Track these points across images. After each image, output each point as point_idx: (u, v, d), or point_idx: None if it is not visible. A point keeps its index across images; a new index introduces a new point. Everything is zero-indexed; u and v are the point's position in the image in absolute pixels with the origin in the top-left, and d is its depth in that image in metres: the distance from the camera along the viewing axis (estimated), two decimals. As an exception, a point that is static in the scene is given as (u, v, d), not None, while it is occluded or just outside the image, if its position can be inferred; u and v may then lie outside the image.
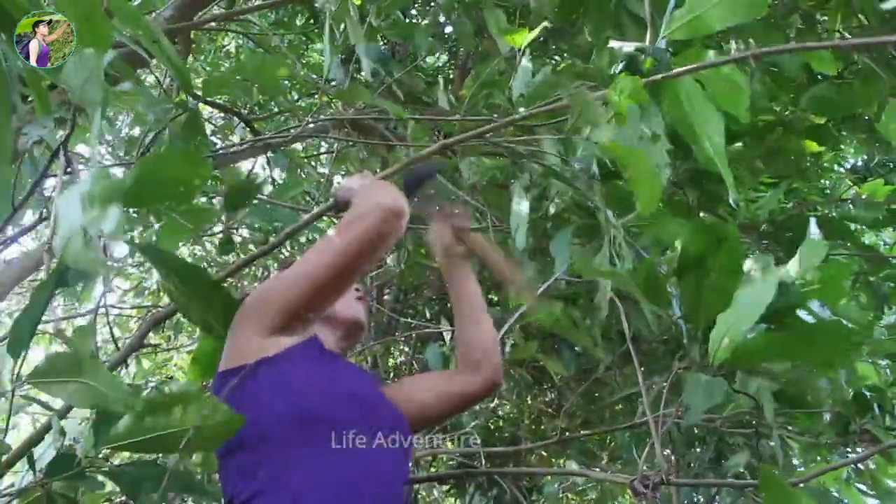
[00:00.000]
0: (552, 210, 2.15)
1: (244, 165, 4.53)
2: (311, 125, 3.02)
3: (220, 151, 2.56)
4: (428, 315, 4.56)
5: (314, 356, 1.34)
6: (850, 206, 3.36)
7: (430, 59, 4.18)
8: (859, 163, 4.36)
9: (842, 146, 4.01)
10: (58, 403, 1.49)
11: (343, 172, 3.54)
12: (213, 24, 3.08)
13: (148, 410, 0.98)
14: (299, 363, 1.29)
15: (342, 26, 2.56)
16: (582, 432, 3.85)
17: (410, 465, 1.44)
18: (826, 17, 3.50)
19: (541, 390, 4.43)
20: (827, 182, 4.28)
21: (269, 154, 3.55)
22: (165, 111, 1.85)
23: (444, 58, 4.26)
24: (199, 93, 2.29)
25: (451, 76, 4.20)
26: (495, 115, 2.65)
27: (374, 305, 4.18)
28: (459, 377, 1.52)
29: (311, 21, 3.68)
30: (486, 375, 1.51)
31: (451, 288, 1.60)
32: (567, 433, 4.25)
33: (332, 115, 2.81)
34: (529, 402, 4.60)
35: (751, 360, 1.70)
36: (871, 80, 3.11)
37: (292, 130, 2.85)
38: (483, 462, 2.68)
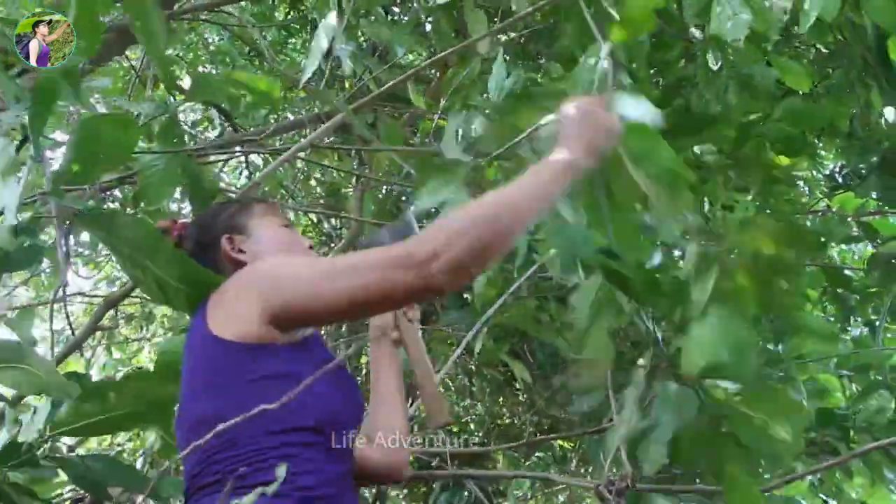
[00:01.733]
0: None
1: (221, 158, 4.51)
2: (289, 118, 3.01)
3: (200, 149, 2.54)
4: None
5: (318, 353, 1.30)
6: (825, 216, 3.41)
7: (411, 57, 4.17)
8: (837, 168, 4.39)
9: (821, 153, 4.03)
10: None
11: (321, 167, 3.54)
12: (191, 15, 3.06)
13: (85, 396, 0.98)
14: (304, 360, 1.23)
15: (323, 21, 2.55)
16: (551, 435, 3.87)
17: None
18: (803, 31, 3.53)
19: (512, 391, 4.45)
20: (806, 189, 4.31)
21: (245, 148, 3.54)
22: (150, 109, 1.83)
23: (425, 56, 4.25)
24: (176, 85, 2.27)
25: (436, 73, 4.21)
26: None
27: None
28: (371, 457, 1.43)
29: (290, 15, 3.68)
30: (394, 466, 1.45)
31: (373, 366, 1.52)
32: (537, 435, 4.27)
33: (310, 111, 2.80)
34: (501, 401, 4.62)
35: (721, 372, 1.73)
36: (844, 95, 3.15)
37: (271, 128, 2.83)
38: (450, 463, 2.68)
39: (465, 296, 4.35)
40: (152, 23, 1.33)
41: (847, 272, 3.26)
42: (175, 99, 1.78)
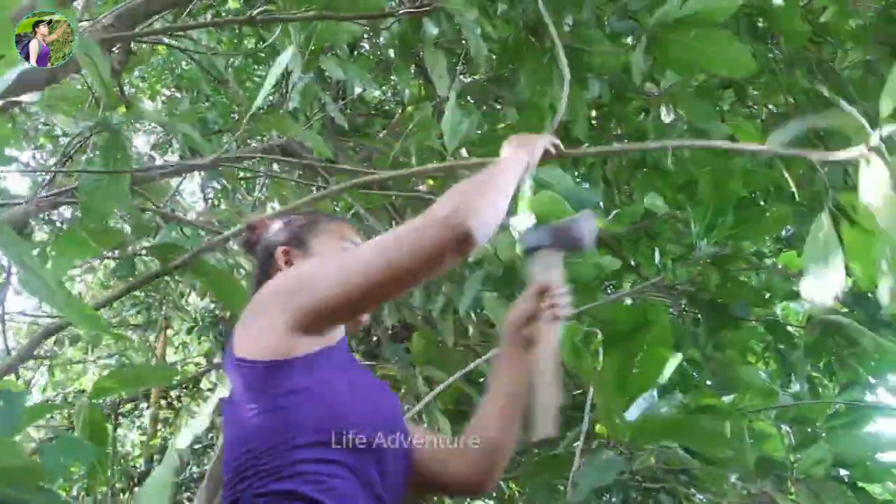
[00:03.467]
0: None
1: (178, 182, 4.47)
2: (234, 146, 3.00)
3: (146, 169, 2.52)
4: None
5: (346, 359, 1.24)
6: (769, 273, 3.49)
7: (377, 94, 4.21)
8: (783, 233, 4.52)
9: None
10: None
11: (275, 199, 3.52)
12: (154, 37, 3.06)
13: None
14: (336, 367, 1.18)
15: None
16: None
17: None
18: (757, 92, 3.66)
19: (461, 428, 4.41)
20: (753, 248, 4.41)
21: (202, 174, 3.52)
22: (89, 127, 1.82)
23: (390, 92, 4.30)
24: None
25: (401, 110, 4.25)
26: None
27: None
28: (457, 466, 1.31)
29: (258, 45, 3.69)
30: (481, 482, 1.31)
31: (497, 366, 1.37)
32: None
33: (264, 141, 2.80)
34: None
35: (652, 437, 1.80)
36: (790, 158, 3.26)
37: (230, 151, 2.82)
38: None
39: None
40: (89, 47, 1.33)
41: (789, 329, 3.34)
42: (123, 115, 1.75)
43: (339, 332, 1.24)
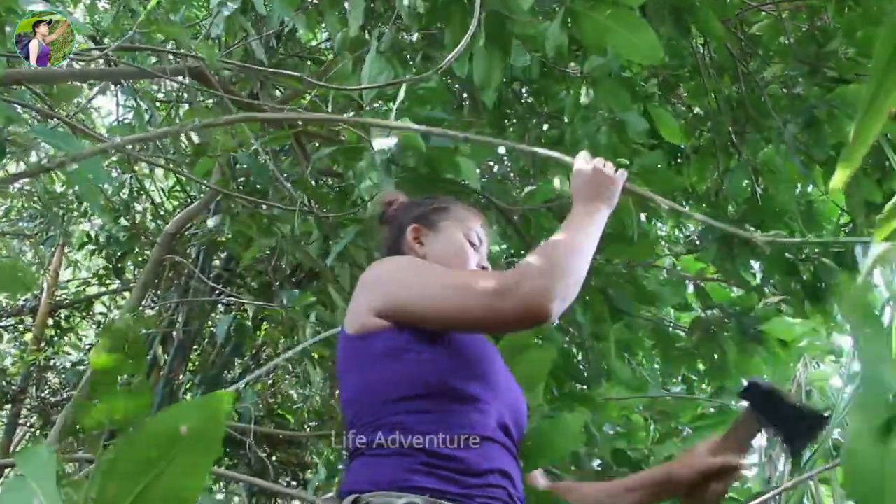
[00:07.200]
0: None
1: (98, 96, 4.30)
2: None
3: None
4: (256, 286, 4.45)
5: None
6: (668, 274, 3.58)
7: (311, 36, 4.11)
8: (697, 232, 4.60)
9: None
10: None
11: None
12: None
13: None
14: (416, 335, 1.27)
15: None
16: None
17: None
18: (686, 93, 3.71)
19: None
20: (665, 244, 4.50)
21: (118, 84, 3.39)
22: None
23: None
24: None
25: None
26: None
27: (197, 272, 4.06)
28: None
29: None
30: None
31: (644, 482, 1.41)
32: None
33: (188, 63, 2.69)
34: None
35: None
36: (707, 161, 3.33)
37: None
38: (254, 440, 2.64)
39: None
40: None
41: (677, 332, 3.43)
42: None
43: None
